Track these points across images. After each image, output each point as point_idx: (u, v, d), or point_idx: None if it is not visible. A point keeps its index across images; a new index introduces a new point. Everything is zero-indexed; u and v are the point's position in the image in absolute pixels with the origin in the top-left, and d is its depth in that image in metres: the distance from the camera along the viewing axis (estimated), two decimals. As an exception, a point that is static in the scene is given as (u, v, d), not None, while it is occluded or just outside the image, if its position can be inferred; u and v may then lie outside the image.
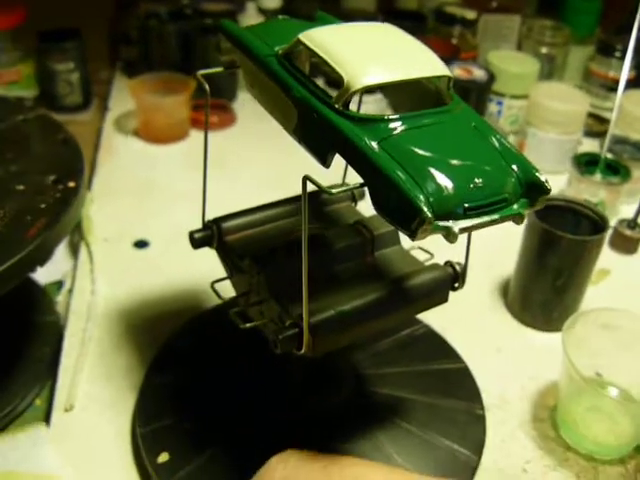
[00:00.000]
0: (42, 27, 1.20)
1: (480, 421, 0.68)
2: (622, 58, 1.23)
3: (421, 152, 0.42)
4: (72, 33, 1.22)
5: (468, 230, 0.41)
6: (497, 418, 0.71)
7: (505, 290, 0.87)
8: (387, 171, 0.40)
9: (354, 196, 0.66)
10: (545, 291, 0.80)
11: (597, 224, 0.79)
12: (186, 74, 1.15)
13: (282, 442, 0.62)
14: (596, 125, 1.26)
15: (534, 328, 0.82)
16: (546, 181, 0.44)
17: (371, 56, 0.46)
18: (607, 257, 0.95)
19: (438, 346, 0.76)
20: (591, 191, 0.99)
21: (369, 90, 0.45)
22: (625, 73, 0.97)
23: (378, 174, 0.41)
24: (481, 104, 1.10)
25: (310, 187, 0.44)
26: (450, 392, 0.70)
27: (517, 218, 0.43)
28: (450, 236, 0.40)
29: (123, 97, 1.23)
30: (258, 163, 1.11)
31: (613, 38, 1.31)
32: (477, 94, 1.08)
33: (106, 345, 0.77)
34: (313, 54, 0.47)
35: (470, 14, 1.28)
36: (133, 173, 1.08)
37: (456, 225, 0.40)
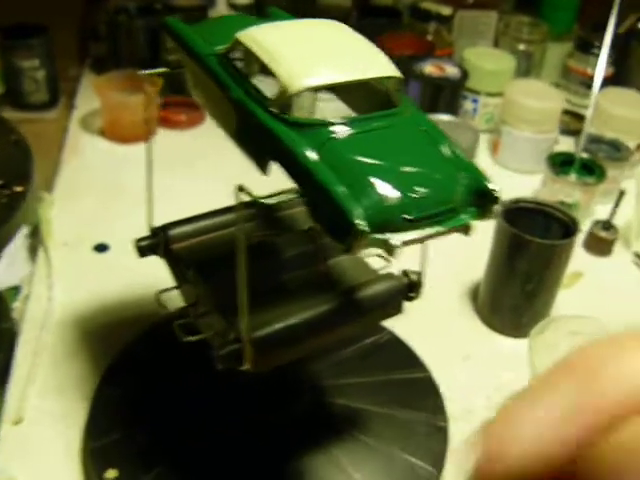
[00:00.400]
0: (7, 23, 1.17)
1: (442, 433, 0.65)
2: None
3: (362, 159, 0.40)
4: (38, 29, 1.18)
5: (409, 243, 0.38)
6: (461, 430, 0.68)
7: (475, 295, 0.85)
8: (322, 181, 0.38)
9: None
10: (514, 296, 0.78)
11: (568, 227, 0.77)
12: (155, 71, 1.12)
13: (233, 458, 0.60)
14: (574, 123, 1.24)
15: (503, 334, 0.80)
16: (495, 189, 0.41)
17: (313, 56, 0.43)
18: (581, 259, 0.93)
19: (402, 354, 0.73)
20: (566, 192, 0.97)
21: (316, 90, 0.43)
22: (601, 71, 0.95)
23: (312, 184, 0.38)
24: (454, 102, 1.08)
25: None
26: (412, 403, 0.67)
27: (465, 229, 0.40)
28: (389, 249, 0.37)
29: (91, 95, 1.19)
30: (228, 162, 1.08)
31: (591, 34, 1.28)
32: (450, 92, 1.06)
33: (60, 354, 0.74)
34: (251, 54, 0.44)
35: (446, 10, 1.25)
36: (97, 174, 1.05)
37: (396, 238, 0.37)
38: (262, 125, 0.42)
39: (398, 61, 1.09)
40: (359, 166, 0.39)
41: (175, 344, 0.66)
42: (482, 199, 0.41)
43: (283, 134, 0.40)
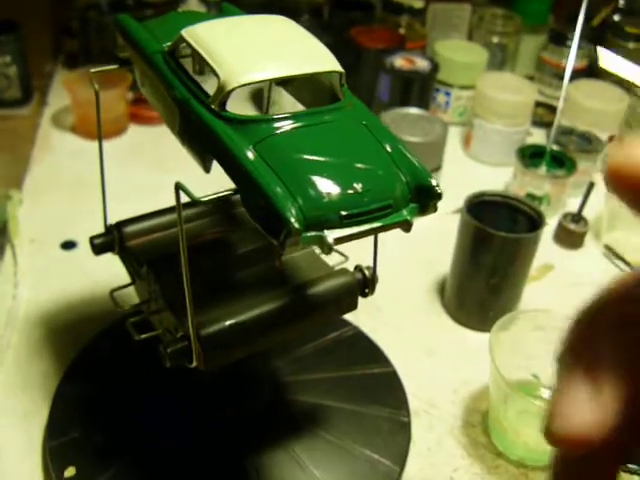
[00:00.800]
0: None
1: (405, 428, 0.65)
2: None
3: (301, 155, 0.39)
4: (9, 25, 1.17)
5: (345, 240, 0.38)
6: (425, 424, 0.68)
7: (442, 288, 0.85)
8: (255, 177, 0.37)
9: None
10: (480, 290, 0.78)
11: (534, 220, 0.77)
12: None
13: (192, 456, 0.60)
14: (547, 115, 1.23)
15: (470, 328, 0.80)
16: (437, 185, 0.41)
17: (254, 52, 0.43)
18: (551, 252, 0.93)
19: (366, 349, 0.73)
20: (536, 184, 0.97)
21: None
22: (571, 62, 0.95)
23: (246, 180, 0.38)
24: (425, 95, 1.07)
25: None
26: (375, 398, 0.67)
27: (404, 225, 0.40)
28: (324, 247, 0.37)
29: (63, 91, 1.19)
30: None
31: (565, 27, 1.28)
32: (420, 85, 1.05)
33: (24, 352, 0.73)
34: (194, 51, 0.44)
35: (418, 3, 1.25)
36: (67, 171, 1.04)
37: (331, 235, 0.37)
38: (202, 122, 0.41)
39: (369, 54, 1.10)
40: (297, 162, 0.39)
41: (133, 342, 0.66)
42: (423, 195, 0.41)
43: (220, 131, 0.40)
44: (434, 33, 1.30)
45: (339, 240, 0.37)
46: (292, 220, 0.36)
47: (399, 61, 1.06)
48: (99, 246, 0.58)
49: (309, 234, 0.37)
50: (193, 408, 0.63)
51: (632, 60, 1.23)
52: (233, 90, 0.41)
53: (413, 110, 0.97)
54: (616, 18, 1.33)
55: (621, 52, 1.25)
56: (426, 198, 0.41)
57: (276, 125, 0.41)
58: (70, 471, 0.59)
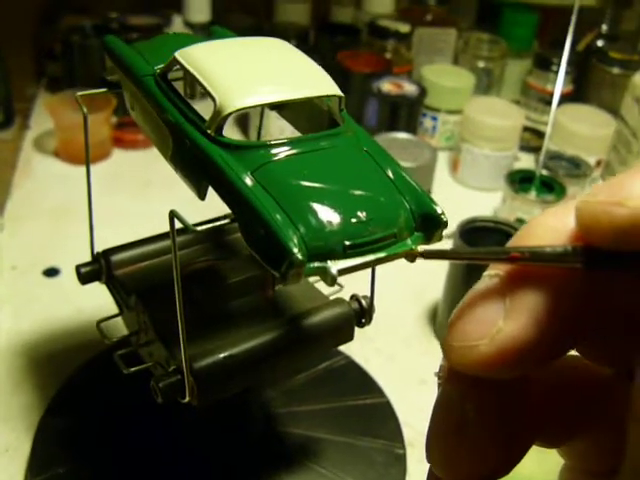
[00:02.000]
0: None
1: (400, 461, 0.64)
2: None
3: (301, 182, 0.38)
4: (-11, 48, 1.16)
5: (349, 271, 0.36)
6: (420, 455, 0.66)
7: (434, 316, 0.83)
8: (255, 206, 0.36)
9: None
10: (473, 317, 0.76)
11: (526, 246, 0.76)
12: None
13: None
14: (534, 139, 1.23)
15: (463, 356, 0.78)
16: (442, 213, 0.39)
17: (250, 75, 0.41)
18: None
19: (359, 380, 0.71)
20: (525, 209, 0.96)
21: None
22: (559, 87, 0.94)
23: (246, 209, 0.36)
24: (412, 119, 1.07)
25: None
26: (369, 430, 0.65)
27: (409, 255, 0.39)
28: (327, 278, 0.35)
29: (45, 115, 1.17)
30: (184, 184, 1.06)
31: (550, 52, 1.28)
32: (407, 109, 1.05)
33: (5, 383, 0.71)
34: (188, 74, 0.42)
35: (404, 27, 1.24)
36: (50, 196, 1.02)
37: (334, 266, 0.35)
38: (197, 147, 0.40)
39: (356, 79, 1.09)
40: (298, 190, 0.37)
41: (119, 374, 0.64)
42: (428, 223, 0.39)
43: (217, 157, 0.38)
44: (420, 57, 1.30)
45: (343, 271, 0.35)
46: (295, 250, 0.34)
47: (386, 85, 1.05)
48: (85, 275, 0.56)
49: (312, 265, 0.35)
50: (182, 441, 0.61)
51: (616, 86, 1.24)
52: (230, 114, 0.39)
53: (402, 135, 0.96)
54: (600, 44, 1.34)
55: (606, 78, 1.26)
56: (431, 226, 0.39)
57: (274, 151, 0.39)
58: (54, 509, 0.57)
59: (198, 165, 0.40)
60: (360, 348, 0.75)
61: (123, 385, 0.64)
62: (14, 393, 0.70)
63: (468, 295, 0.24)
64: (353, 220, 0.36)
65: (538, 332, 0.21)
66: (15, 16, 1.29)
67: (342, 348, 0.73)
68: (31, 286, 0.85)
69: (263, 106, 0.40)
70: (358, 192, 0.38)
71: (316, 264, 0.35)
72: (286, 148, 0.40)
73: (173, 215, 0.38)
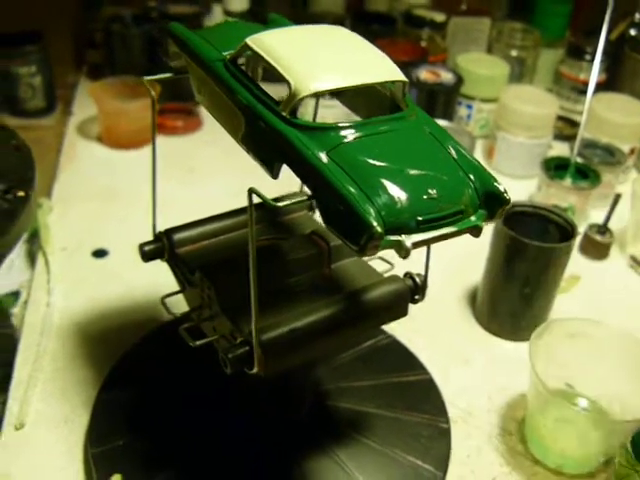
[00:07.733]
0: (2, 30, 1.17)
1: (445, 435, 0.66)
2: (592, 61, 1.21)
3: (372, 162, 0.40)
4: (34, 36, 1.18)
5: (421, 244, 0.38)
6: (463, 432, 0.69)
7: (473, 299, 0.85)
8: (334, 183, 0.38)
9: (312, 205, 0.64)
10: (513, 300, 0.78)
11: (565, 230, 0.78)
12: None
13: (238, 463, 0.60)
14: (566, 128, 1.24)
15: (502, 337, 0.81)
16: (505, 191, 0.41)
17: (321, 61, 0.44)
18: (577, 263, 0.94)
19: (403, 357, 0.73)
20: (560, 196, 0.98)
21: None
22: (594, 76, 0.96)
23: (325, 186, 0.38)
24: (449, 107, 1.08)
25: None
26: (414, 405, 0.68)
27: (474, 231, 0.41)
28: (402, 251, 0.38)
29: (87, 102, 1.19)
30: (226, 168, 1.09)
31: (583, 41, 1.29)
32: (445, 97, 1.07)
33: (61, 359, 0.74)
34: (261, 59, 0.44)
35: (439, 17, 1.26)
36: (95, 180, 1.05)
37: (408, 239, 0.38)
38: (272, 129, 0.42)
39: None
40: (370, 168, 0.39)
41: (176, 348, 0.66)
42: (492, 201, 0.42)
43: (294, 137, 0.41)
44: (454, 46, 1.31)
45: (417, 244, 0.38)
46: (374, 224, 0.36)
47: (424, 74, 1.07)
48: (149, 253, 0.59)
49: (389, 238, 0.37)
50: (237, 415, 0.64)
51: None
52: (305, 98, 0.41)
53: (440, 122, 0.98)
54: (632, 32, 1.35)
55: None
56: (494, 204, 0.42)
57: (344, 133, 0.42)
58: (116, 478, 0.59)
59: (272, 145, 0.42)
60: (402, 328, 0.77)
61: (175, 360, 0.68)
62: (68, 368, 0.73)
63: None
64: (425, 197, 0.39)
65: None
66: (56, 5, 1.31)
67: (385, 327, 0.75)
68: (81, 267, 0.87)
69: (335, 91, 0.42)
70: (426, 171, 0.41)
71: (392, 237, 0.37)
72: (355, 130, 0.42)
73: (252, 192, 0.40)
